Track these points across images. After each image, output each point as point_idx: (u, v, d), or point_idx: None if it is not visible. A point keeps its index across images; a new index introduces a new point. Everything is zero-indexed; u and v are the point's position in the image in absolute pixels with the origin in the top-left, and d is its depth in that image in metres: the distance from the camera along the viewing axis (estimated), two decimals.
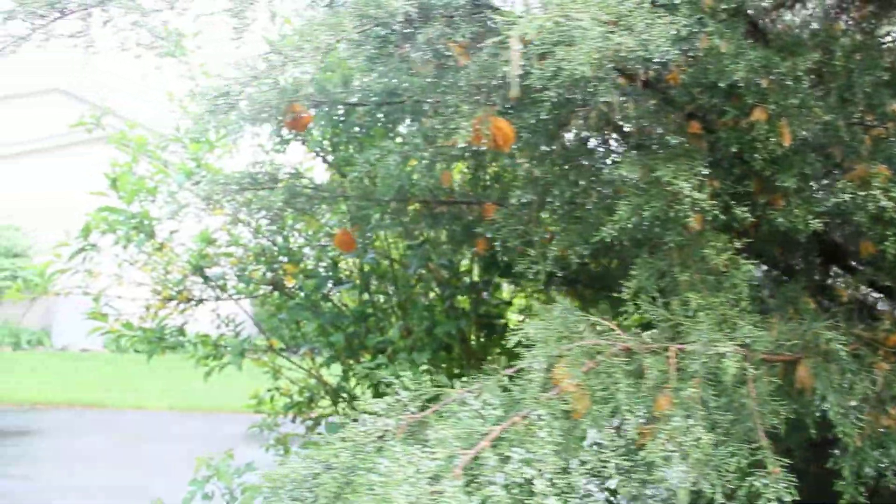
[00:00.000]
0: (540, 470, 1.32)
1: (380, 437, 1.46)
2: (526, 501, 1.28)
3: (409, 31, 2.05)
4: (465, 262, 4.30)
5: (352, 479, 1.40)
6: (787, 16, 2.64)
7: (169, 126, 4.49)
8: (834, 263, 3.01)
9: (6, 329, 19.29)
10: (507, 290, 4.54)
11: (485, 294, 4.33)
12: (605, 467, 1.43)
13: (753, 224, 2.28)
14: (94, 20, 2.08)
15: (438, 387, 1.56)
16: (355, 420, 1.50)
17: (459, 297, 4.28)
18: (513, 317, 4.55)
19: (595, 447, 1.46)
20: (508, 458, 1.34)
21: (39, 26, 1.89)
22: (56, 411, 12.16)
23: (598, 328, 1.69)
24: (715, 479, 1.50)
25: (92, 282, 4.46)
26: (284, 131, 3.54)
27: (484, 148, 2.86)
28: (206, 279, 4.27)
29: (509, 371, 1.59)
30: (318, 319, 4.21)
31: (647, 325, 2.00)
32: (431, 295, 4.42)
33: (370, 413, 1.50)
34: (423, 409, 1.53)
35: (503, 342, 4.39)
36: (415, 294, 4.41)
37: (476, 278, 4.26)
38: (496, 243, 3.27)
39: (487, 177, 3.48)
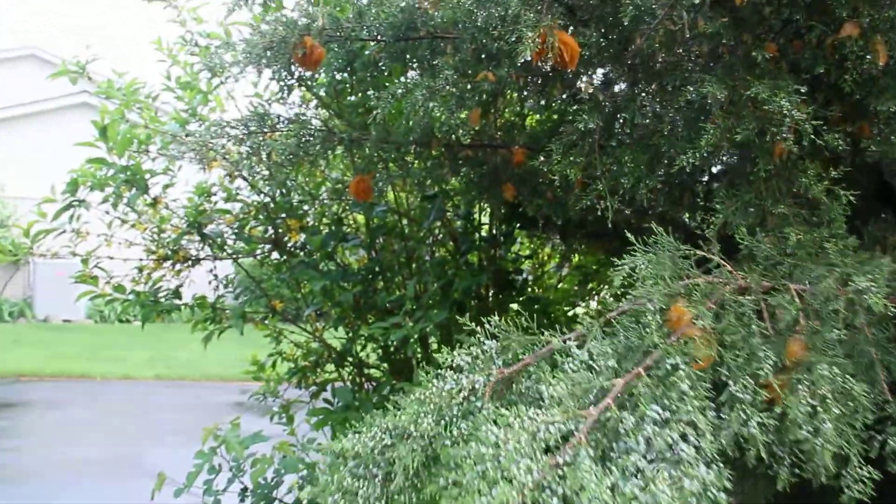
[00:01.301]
0: (685, 432, 1.08)
1: (464, 399, 1.21)
2: (673, 473, 1.04)
3: None
4: (477, 216, 4.05)
5: (439, 450, 1.15)
6: None
7: (157, 78, 4.19)
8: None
9: None
10: (517, 245, 4.30)
11: (499, 249, 4.08)
12: (745, 426, 1.19)
13: (834, 155, 2.05)
14: None
15: (531, 335, 1.31)
16: (438, 377, 1.24)
17: (473, 253, 4.03)
18: (529, 272, 4.32)
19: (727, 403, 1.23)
20: (643, 418, 1.10)
21: None
22: (41, 383, 11.88)
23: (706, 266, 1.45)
24: (850, 436, 1.28)
25: (80, 243, 4.16)
26: (286, 75, 3.25)
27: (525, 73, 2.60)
28: (204, 237, 3.99)
29: (612, 314, 1.34)
30: (322, 279, 3.93)
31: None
32: (443, 251, 4.17)
33: (453, 369, 1.25)
34: (509, 364, 1.28)
35: (521, 298, 4.15)
36: (423, 250, 4.15)
37: (491, 232, 4.01)
38: (523, 190, 3.03)
39: (512, 117, 3.21)
